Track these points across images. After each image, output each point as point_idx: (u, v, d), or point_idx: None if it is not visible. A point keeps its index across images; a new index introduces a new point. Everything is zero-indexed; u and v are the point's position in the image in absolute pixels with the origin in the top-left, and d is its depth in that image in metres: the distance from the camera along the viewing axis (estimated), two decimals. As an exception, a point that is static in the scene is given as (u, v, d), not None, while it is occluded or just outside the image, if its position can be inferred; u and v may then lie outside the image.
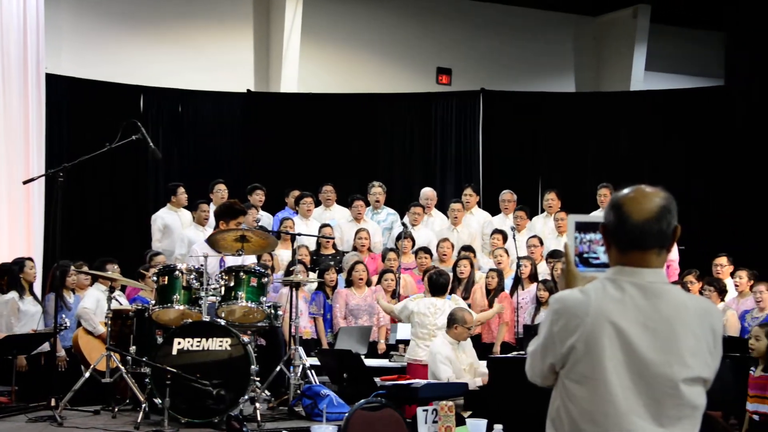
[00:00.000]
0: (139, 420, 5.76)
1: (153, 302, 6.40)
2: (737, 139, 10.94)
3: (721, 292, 8.01)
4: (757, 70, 10.85)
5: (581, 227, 2.41)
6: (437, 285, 7.27)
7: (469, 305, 8.00)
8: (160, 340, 6.16)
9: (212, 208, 8.67)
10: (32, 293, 7.70)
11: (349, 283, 8.52)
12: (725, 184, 10.96)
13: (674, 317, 2.22)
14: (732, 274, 8.39)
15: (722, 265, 8.46)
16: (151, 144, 6.88)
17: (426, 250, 8.98)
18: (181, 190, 9.38)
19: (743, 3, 11.00)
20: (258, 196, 9.72)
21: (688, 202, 9.90)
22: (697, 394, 2.23)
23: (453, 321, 6.73)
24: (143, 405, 5.88)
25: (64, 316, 7.01)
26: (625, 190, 2.30)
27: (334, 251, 9.20)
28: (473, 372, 6.74)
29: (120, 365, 6.25)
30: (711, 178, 11.06)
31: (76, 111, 10.58)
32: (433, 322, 7.13)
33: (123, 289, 8.05)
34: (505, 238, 9.16)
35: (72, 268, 7.73)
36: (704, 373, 2.23)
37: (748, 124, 10.86)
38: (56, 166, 6.81)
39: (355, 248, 9.18)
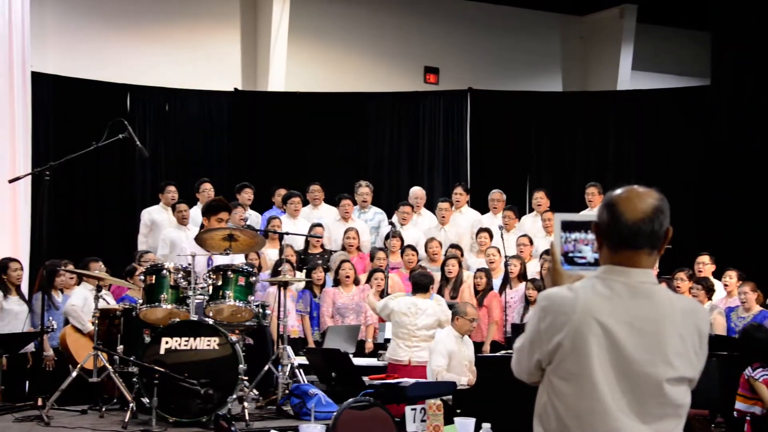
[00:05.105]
0: (126, 419, 5.72)
1: (140, 301, 6.38)
2: (722, 138, 10.98)
3: (709, 291, 8.06)
4: (742, 70, 10.87)
5: (567, 226, 2.40)
6: (419, 284, 7.34)
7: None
8: (147, 339, 6.13)
9: (200, 207, 8.65)
10: (19, 293, 7.63)
11: (337, 282, 8.51)
12: (710, 184, 10.99)
13: (661, 317, 2.23)
14: (714, 273, 8.44)
15: (705, 263, 8.51)
16: (138, 143, 6.86)
17: (412, 248, 8.98)
18: (170, 188, 9.38)
19: (728, 3, 11.04)
20: (246, 195, 9.71)
21: (672, 201, 9.88)
22: (681, 393, 2.24)
23: (455, 313, 6.93)
24: (131, 404, 5.84)
25: (51, 318, 6.97)
26: (619, 190, 2.31)
27: (322, 250, 9.19)
28: (472, 370, 6.77)
29: (107, 364, 6.21)
30: (695, 177, 11.08)
31: (62, 110, 10.52)
32: (413, 322, 7.16)
33: (109, 287, 8.01)
34: (491, 237, 9.19)
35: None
36: (688, 373, 2.24)
37: (733, 124, 10.90)
38: (42, 165, 6.76)
39: (343, 247, 9.17)
